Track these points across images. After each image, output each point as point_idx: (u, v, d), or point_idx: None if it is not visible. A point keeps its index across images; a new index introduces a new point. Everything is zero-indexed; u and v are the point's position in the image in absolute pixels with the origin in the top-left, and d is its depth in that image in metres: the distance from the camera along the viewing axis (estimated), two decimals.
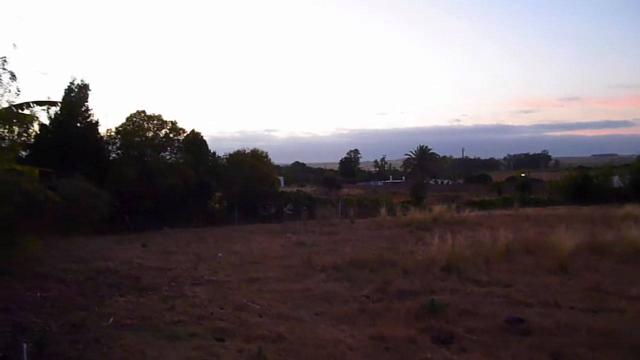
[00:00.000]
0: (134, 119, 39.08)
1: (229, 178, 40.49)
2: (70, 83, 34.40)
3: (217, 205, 42.95)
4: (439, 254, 17.78)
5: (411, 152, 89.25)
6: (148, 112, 39.59)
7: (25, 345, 7.22)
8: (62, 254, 19.18)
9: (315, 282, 15.55)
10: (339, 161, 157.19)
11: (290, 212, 42.52)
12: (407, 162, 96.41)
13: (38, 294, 13.84)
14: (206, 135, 43.40)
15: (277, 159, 48.08)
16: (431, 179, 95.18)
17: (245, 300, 13.30)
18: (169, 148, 39.87)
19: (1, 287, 12.85)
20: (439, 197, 56.62)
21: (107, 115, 55.74)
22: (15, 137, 11.69)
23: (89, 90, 35.23)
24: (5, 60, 9.94)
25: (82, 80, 34.91)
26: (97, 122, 35.89)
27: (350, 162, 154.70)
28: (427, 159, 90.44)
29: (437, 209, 36.32)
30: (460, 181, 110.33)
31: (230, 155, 43.69)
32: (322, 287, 14.90)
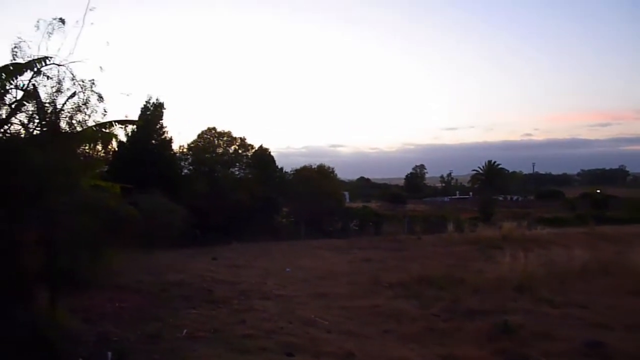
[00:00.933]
0: (205, 135, 40.41)
1: (296, 193, 40.99)
2: (146, 102, 35.92)
3: (283, 220, 43.50)
4: (510, 273, 17.29)
5: (479, 167, 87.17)
6: (218, 129, 40.91)
7: (109, 354, 7.58)
8: (137, 266, 19.99)
9: (383, 299, 15.47)
10: (404, 176, 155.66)
11: (356, 228, 42.51)
12: (474, 177, 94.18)
13: (117, 305, 14.50)
14: (273, 151, 44.24)
15: (342, 175, 48.53)
16: (500, 195, 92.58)
17: (313, 316, 13.41)
18: (237, 164, 40.89)
19: (84, 297, 13.52)
20: (508, 213, 55.04)
21: (180, 132, 57.82)
22: (99, 154, 12.36)
23: (164, 108, 36.67)
24: (93, 83, 10.56)
25: (157, 99, 36.42)
26: (170, 139, 37.27)
27: (415, 177, 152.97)
28: (495, 174, 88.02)
29: (507, 226, 35.29)
30: (531, 197, 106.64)
31: (296, 170, 44.29)
32: (390, 305, 14.80)
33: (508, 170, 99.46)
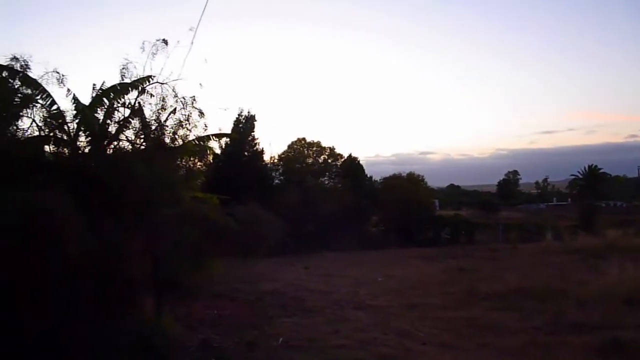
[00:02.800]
0: (295, 146, 41.26)
1: (385, 202, 40.76)
2: (239, 114, 37.23)
3: (373, 229, 43.37)
4: (618, 285, 16.16)
5: (578, 172, 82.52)
6: (308, 139, 41.63)
7: None
8: (233, 274, 20.62)
9: (480, 311, 14.94)
10: (496, 183, 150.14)
11: (448, 237, 41.58)
12: (573, 182, 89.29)
13: (215, 312, 15.05)
14: (362, 160, 44.33)
15: (431, 182, 47.69)
16: (602, 201, 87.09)
17: (407, 327, 13.21)
18: (327, 173, 41.37)
19: (185, 305, 14.13)
20: (611, 220, 51.61)
21: (271, 143, 59.14)
22: (198, 167, 12.92)
23: (255, 120, 37.81)
24: (194, 99, 11.12)
25: (248, 112, 37.64)
26: (262, 151, 38.37)
27: (508, 183, 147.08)
28: (596, 179, 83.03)
29: (612, 234, 33.06)
30: (637, 203, 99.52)
31: (386, 179, 44.10)
32: (487, 316, 14.27)
33: (610, 175, 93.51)
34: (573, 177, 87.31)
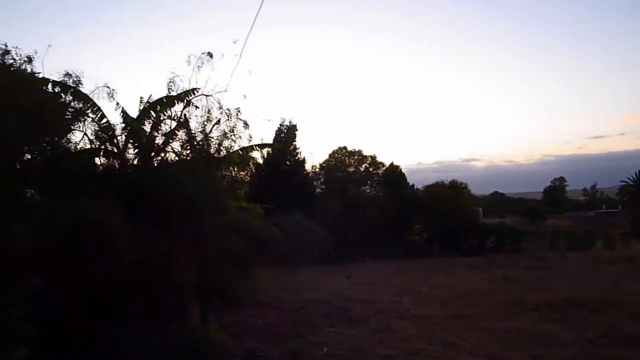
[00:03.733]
0: (336, 155, 41.24)
1: (428, 210, 40.29)
2: (280, 124, 37.47)
3: (416, 237, 42.90)
4: None
5: (628, 178, 79.74)
6: (349, 148, 41.56)
7: None
8: (276, 283, 20.70)
9: (529, 322, 14.55)
10: (542, 190, 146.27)
11: (493, 245, 40.75)
12: (623, 189, 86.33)
13: (259, 321, 15.14)
14: (403, 167, 43.97)
15: (474, 189, 46.70)
16: None
17: (454, 338, 12.97)
18: (368, 182, 41.20)
19: (230, 314, 14.23)
20: None
21: (312, 152, 59.42)
22: (242, 177, 13.07)
23: (297, 130, 38.01)
24: (239, 111, 11.30)
25: (290, 121, 37.87)
26: (303, 160, 38.48)
27: (555, 190, 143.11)
28: None
29: None
30: None
31: (428, 187, 43.59)
32: (537, 328, 13.89)
33: None
34: (623, 183, 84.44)
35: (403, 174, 42.52)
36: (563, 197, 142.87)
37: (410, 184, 43.52)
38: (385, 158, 43.97)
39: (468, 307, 16.91)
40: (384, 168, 41.60)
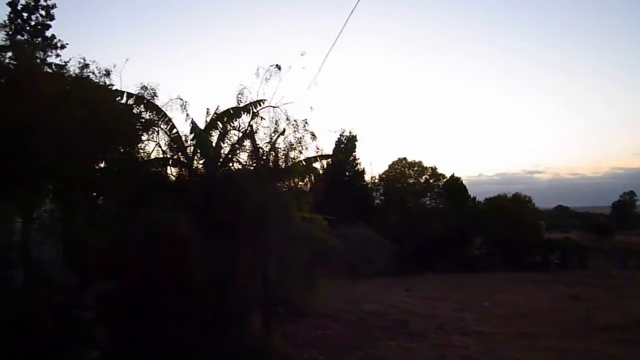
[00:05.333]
0: (396, 166, 40.99)
1: (489, 223, 39.33)
2: (340, 135, 37.58)
3: (476, 251, 41.93)
4: None
5: None
6: (409, 159, 41.24)
7: None
8: (335, 294, 20.69)
9: (598, 343, 13.92)
10: (610, 205, 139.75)
11: (558, 261, 39.34)
12: None
13: (319, 332, 15.16)
14: (464, 179, 43.14)
15: (537, 203, 45.13)
16: None
17: (518, 357, 12.62)
18: (428, 194, 40.69)
19: (290, 323, 14.33)
20: None
21: (372, 163, 59.29)
22: (306, 188, 13.19)
23: (356, 140, 38.07)
24: (306, 122, 11.48)
25: (350, 132, 37.96)
26: (363, 171, 38.45)
27: (624, 205, 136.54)
28: None
29: None
30: None
31: (490, 199, 42.58)
32: (607, 350, 13.28)
33: None
34: None
35: (464, 186, 41.73)
36: (633, 212, 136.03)
37: (472, 196, 42.61)
38: (446, 169, 43.45)
39: (533, 326, 16.38)
40: (445, 180, 41.00)
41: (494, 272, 34.90)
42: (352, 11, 12.43)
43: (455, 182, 41.05)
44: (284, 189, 12.29)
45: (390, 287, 25.61)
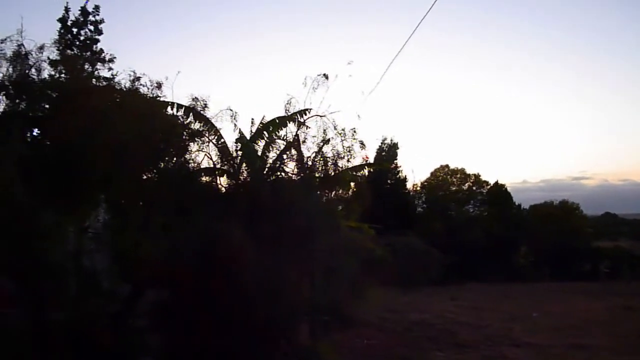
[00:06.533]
0: (438, 173, 40.55)
1: (535, 231, 38.41)
2: (382, 142, 37.42)
3: (522, 260, 40.94)
4: None
5: None
6: (451, 166, 40.75)
7: None
8: (379, 303, 20.47)
9: None
10: None
11: (608, 270, 38.06)
12: None
13: (364, 341, 15.02)
14: (508, 186, 42.12)
15: (584, 210, 43.81)
16: None
17: None
18: (472, 201, 40.07)
19: (338, 333, 14.24)
20: None
21: (413, 171, 58.81)
22: (351, 196, 13.11)
23: (398, 148, 37.83)
24: (355, 131, 11.45)
25: (391, 140, 37.76)
26: (404, 178, 38.16)
27: None
28: None
29: None
30: None
31: (535, 207, 41.61)
32: None
33: None
34: None
35: (508, 193, 40.84)
36: None
37: (517, 204, 41.68)
38: (490, 176, 42.63)
39: (586, 338, 15.83)
40: (488, 187, 40.29)
41: (541, 282, 34.05)
42: (415, 28, 12.26)
43: (499, 189, 40.26)
44: (332, 198, 12.26)
45: (435, 297, 25.24)
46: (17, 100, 10.60)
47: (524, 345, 14.98)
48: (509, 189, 41.49)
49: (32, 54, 10.39)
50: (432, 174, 41.01)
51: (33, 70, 10.47)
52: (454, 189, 40.19)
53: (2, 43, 10.13)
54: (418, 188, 40.52)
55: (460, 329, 17.23)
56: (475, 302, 24.21)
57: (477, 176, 40.32)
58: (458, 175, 40.30)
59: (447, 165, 40.83)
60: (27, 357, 8.86)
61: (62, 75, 11.59)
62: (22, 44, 10.27)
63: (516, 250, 40.73)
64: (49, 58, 11.10)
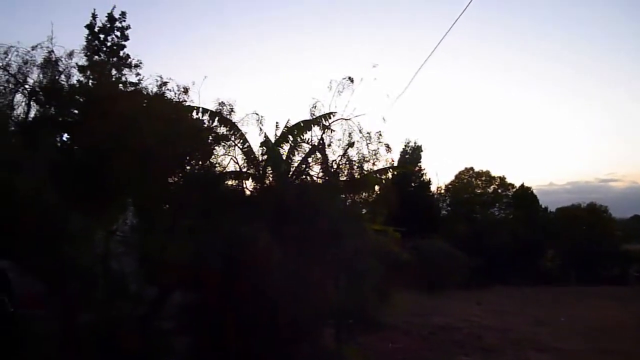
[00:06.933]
0: (463, 176, 40.16)
1: (562, 234, 37.79)
2: (405, 145, 37.28)
3: (549, 263, 40.29)
4: None
5: None
6: (476, 169, 40.32)
7: None
8: (404, 306, 20.32)
9: None
10: None
11: (638, 274, 37.25)
12: None
13: (389, 345, 14.95)
14: (534, 188, 41.50)
15: (612, 212, 42.93)
16: None
17: None
18: (497, 204, 39.59)
19: (363, 336, 14.20)
20: None
21: (437, 173, 58.43)
22: (376, 199, 13.08)
23: (422, 151, 37.63)
24: (380, 134, 11.45)
25: (415, 142, 37.58)
26: (429, 181, 37.90)
27: None
28: None
29: None
30: None
31: (562, 209, 40.94)
32: None
33: None
34: None
35: (535, 196, 40.24)
36: None
37: (543, 207, 41.05)
38: (515, 179, 42.03)
39: (617, 343, 15.53)
40: (514, 189, 39.76)
41: (568, 286, 33.53)
42: (446, 32, 12.23)
43: (525, 192, 39.69)
44: (357, 201, 12.25)
45: (459, 300, 25.01)
46: (47, 106, 10.85)
47: (551, 350, 14.78)
48: (535, 191, 40.96)
49: (61, 61, 10.65)
50: (456, 176, 40.65)
51: (62, 76, 10.74)
52: (478, 191, 39.76)
53: (33, 50, 10.38)
54: (442, 191, 40.23)
55: (486, 333, 17.05)
56: (501, 306, 23.94)
57: (502, 179, 39.84)
58: (483, 178, 39.84)
59: (471, 168, 40.43)
60: (55, 357, 9.02)
61: (91, 80, 11.83)
62: (52, 51, 10.52)
63: (542, 254, 40.06)
64: (77, 64, 11.38)
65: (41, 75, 10.50)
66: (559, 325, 18.86)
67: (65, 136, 11.20)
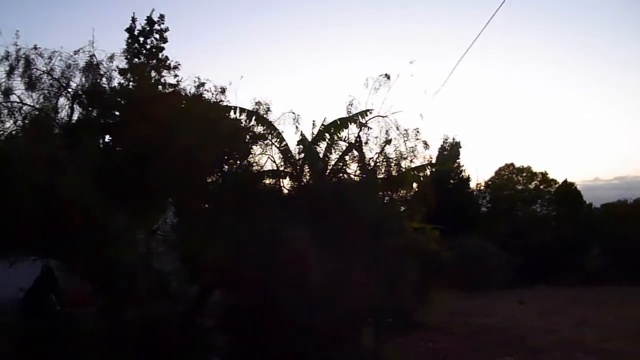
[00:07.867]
0: (503, 172, 39.51)
1: (608, 232, 36.70)
2: (443, 141, 36.93)
3: (594, 262, 39.20)
4: None
5: None
6: (517, 165, 39.61)
7: None
8: (444, 305, 20.08)
9: None
10: None
11: None
12: None
13: (429, 345, 14.76)
14: (578, 184, 40.54)
15: None
16: None
17: None
18: (539, 201, 38.77)
19: (402, 337, 14.08)
20: None
21: (477, 169, 57.67)
22: (415, 197, 12.96)
23: (460, 147, 37.18)
24: (418, 131, 11.35)
25: (453, 138, 37.17)
26: (468, 178, 37.41)
27: None
28: None
29: None
30: None
31: (608, 206, 39.76)
32: None
33: None
34: None
35: (578, 192, 39.18)
36: None
37: (588, 203, 39.96)
38: (558, 174, 41.04)
39: None
40: (557, 185, 38.83)
41: (615, 285, 32.48)
42: (483, 27, 12.03)
43: (568, 188, 38.69)
44: (395, 199, 12.15)
45: (501, 300, 24.54)
46: (89, 109, 11.12)
47: (599, 352, 14.27)
48: (579, 187, 39.85)
49: (102, 64, 10.92)
50: (496, 173, 40.06)
51: (104, 79, 11.00)
52: (519, 188, 39.03)
53: (75, 54, 10.67)
54: (482, 187, 39.64)
55: (529, 333, 16.61)
56: (544, 306, 23.34)
57: (544, 174, 38.99)
58: (524, 174, 39.11)
59: (512, 164, 39.74)
60: (101, 353, 9.24)
61: (131, 83, 12.08)
62: (94, 55, 10.80)
63: (588, 252, 39.01)
64: (118, 67, 11.64)
65: (83, 79, 10.79)
66: (606, 326, 18.25)
67: (107, 138, 11.45)
